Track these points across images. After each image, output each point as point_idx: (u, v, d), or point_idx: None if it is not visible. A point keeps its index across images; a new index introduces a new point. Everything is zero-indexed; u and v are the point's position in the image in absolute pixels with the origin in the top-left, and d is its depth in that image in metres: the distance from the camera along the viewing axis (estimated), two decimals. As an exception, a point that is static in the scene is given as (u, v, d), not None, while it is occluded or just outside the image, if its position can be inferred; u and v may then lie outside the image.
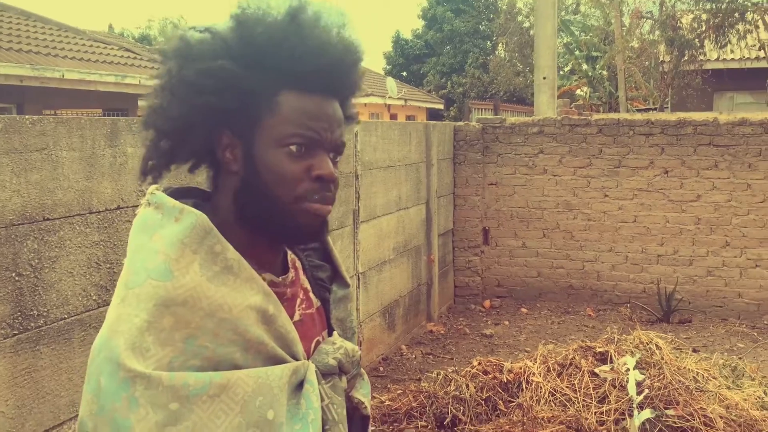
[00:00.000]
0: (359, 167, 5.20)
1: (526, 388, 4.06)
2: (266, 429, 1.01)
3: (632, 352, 4.09)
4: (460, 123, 7.78)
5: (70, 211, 2.68)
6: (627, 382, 3.86)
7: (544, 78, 8.67)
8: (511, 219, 7.61)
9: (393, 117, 24.59)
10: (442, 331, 6.72)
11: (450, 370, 4.39)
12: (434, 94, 32.26)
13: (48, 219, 2.59)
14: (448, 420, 3.96)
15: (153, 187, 1.12)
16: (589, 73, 27.75)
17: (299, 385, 1.09)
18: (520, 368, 4.20)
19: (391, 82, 24.17)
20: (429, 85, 34.50)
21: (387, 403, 4.18)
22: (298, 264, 1.24)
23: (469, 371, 4.23)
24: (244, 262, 1.06)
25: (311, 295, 1.24)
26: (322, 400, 1.11)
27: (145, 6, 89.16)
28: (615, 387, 3.90)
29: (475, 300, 7.67)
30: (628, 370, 3.94)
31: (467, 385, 4.05)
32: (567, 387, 4.00)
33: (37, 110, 10.73)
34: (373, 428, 4.05)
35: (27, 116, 2.52)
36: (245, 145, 1.09)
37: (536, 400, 3.96)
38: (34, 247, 2.53)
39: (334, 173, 1.10)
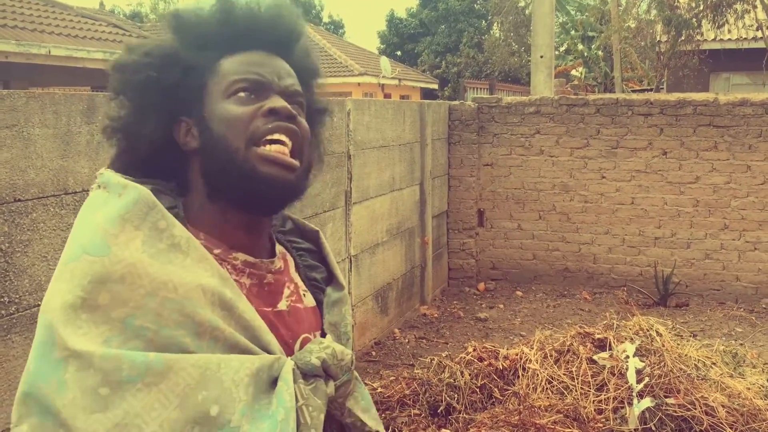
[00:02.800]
0: (351, 147, 5.05)
1: (523, 375, 3.95)
2: (208, 427, 0.89)
3: (632, 339, 3.98)
4: (455, 102, 7.62)
5: (43, 191, 2.53)
6: (626, 369, 3.75)
7: (541, 57, 8.50)
8: (506, 200, 7.47)
9: (387, 96, 24.37)
10: (436, 315, 6.60)
11: (444, 356, 4.27)
12: (429, 74, 31.98)
13: (19, 200, 2.44)
14: (442, 408, 3.85)
15: (104, 169, 1.03)
16: (585, 54, 27.54)
17: (273, 382, 0.98)
18: (516, 355, 4.09)
19: (384, 62, 23.89)
20: (423, 65, 34.20)
21: (379, 390, 4.06)
22: (289, 259, 1.15)
23: (464, 358, 4.11)
24: (195, 241, 0.97)
25: (303, 291, 1.13)
26: (297, 400, 0.99)
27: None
28: (614, 375, 3.79)
29: (469, 283, 7.56)
30: (627, 357, 3.83)
31: (462, 372, 3.93)
32: (564, 374, 3.88)
33: (23, 87, 10.50)
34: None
35: (-5, 91, 2.36)
36: (197, 117, 1.04)
37: (533, 387, 3.85)
38: (5, 230, 2.38)
39: (289, 108, 1.03)
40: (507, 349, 4.20)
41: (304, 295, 1.13)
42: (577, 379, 3.83)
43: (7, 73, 10.15)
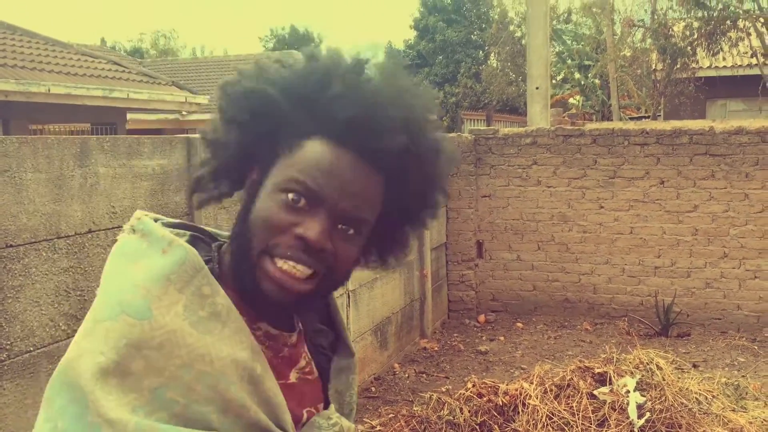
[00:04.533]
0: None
1: (523, 411, 3.91)
2: None
3: (632, 373, 3.94)
4: (452, 134, 7.65)
5: (35, 236, 2.53)
6: (627, 404, 3.71)
7: (537, 88, 8.55)
8: (505, 231, 7.46)
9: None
10: (436, 348, 6.56)
11: (443, 391, 4.23)
12: (427, 105, 32.15)
13: (11, 246, 2.44)
14: (441, 446, 3.80)
15: (140, 212, 0.98)
16: (582, 82, 27.78)
17: None
18: (516, 390, 4.05)
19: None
20: (422, 96, 34.44)
21: (378, 428, 4.01)
22: (302, 327, 1.08)
23: (463, 394, 4.07)
24: (235, 311, 0.93)
25: (310, 363, 1.08)
26: None
27: (136, 19, 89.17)
28: (615, 410, 3.74)
29: (469, 315, 7.52)
30: (628, 391, 3.79)
31: (461, 409, 3.89)
32: (565, 410, 3.84)
33: (23, 125, 10.57)
34: None
35: (13, 136, 2.38)
36: (257, 179, 0.97)
37: (533, 424, 3.81)
38: (-4, 276, 2.37)
39: (321, 242, 0.92)
40: (507, 385, 4.16)
41: (312, 365, 1.08)
42: (578, 414, 3.79)
43: (7, 112, 10.22)
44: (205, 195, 1.03)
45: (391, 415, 4.14)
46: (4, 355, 2.41)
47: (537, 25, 8.43)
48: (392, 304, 5.99)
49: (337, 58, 0.98)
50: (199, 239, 1.00)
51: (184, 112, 14.71)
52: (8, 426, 2.41)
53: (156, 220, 0.99)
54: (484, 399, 4.01)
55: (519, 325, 7.18)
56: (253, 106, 0.96)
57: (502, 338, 6.80)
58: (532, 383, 4.03)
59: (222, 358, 0.89)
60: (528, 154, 7.36)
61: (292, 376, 1.03)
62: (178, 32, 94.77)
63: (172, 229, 0.98)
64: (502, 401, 4.01)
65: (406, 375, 5.79)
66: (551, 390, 3.97)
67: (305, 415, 1.03)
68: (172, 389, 0.86)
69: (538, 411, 3.86)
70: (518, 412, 3.94)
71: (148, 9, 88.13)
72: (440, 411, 3.95)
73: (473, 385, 4.14)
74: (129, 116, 12.94)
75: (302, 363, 1.05)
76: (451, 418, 3.87)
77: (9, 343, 2.43)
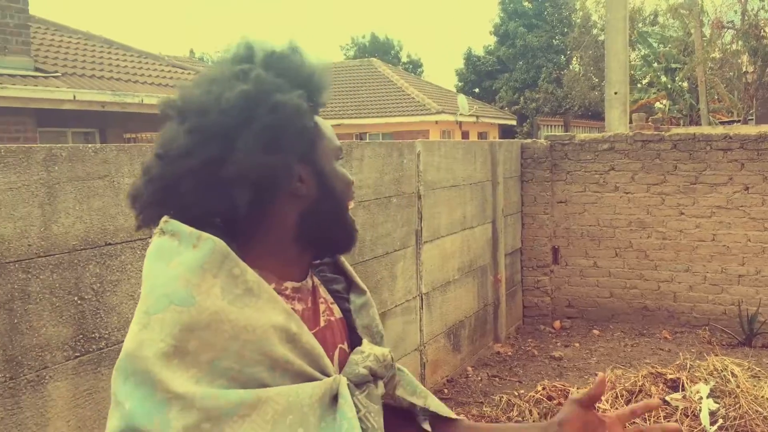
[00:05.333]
0: (422, 187, 5.18)
1: (593, 414, 3.92)
2: None
3: (706, 380, 3.90)
4: (528, 140, 7.67)
5: (131, 235, 2.76)
6: (700, 411, 3.68)
7: (615, 93, 8.46)
8: (581, 238, 7.42)
9: (465, 134, 24.47)
10: (510, 353, 6.59)
11: (514, 395, 4.29)
12: (507, 110, 31.98)
13: (110, 244, 2.68)
14: (510, 446, 3.86)
15: (166, 216, 1.11)
16: (669, 86, 26.94)
17: (334, 400, 1.09)
18: (587, 394, 4.07)
19: (462, 99, 24.09)
20: (501, 101, 34.24)
21: (448, 427, 4.11)
22: (316, 279, 1.26)
23: (533, 396, 4.12)
24: (264, 283, 1.08)
25: (331, 304, 1.25)
26: (358, 410, 1.11)
27: (223, 31, 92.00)
28: (687, 416, 3.72)
29: (544, 321, 7.51)
30: (701, 398, 3.76)
31: (530, 411, 3.95)
32: (635, 415, 3.84)
33: (118, 134, 11.18)
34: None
35: (90, 145, 2.62)
36: (312, 168, 1.16)
37: (603, 427, 3.82)
38: (96, 271, 2.61)
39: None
40: (577, 389, 4.18)
41: (332, 306, 1.24)
42: (649, 420, 3.78)
43: (103, 122, 10.84)
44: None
45: (461, 416, 4.23)
46: (103, 344, 2.65)
47: (616, 29, 8.34)
48: (465, 308, 6.07)
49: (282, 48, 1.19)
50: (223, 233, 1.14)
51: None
52: (105, 408, 2.64)
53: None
54: (554, 402, 4.05)
55: (595, 332, 7.12)
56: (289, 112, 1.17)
57: (577, 345, 6.77)
58: (602, 387, 4.04)
59: (261, 325, 1.04)
60: (605, 160, 7.30)
61: (321, 321, 1.19)
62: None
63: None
64: (572, 404, 4.04)
65: (479, 378, 5.85)
66: (622, 395, 3.97)
67: (337, 354, 1.17)
68: (225, 359, 1.01)
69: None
70: (588, 416, 3.96)
71: (234, 20, 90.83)
72: (510, 412, 4.02)
73: (543, 388, 4.18)
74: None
75: (323, 306, 1.22)
76: (520, 419, 3.93)
77: (107, 332, 2.67)
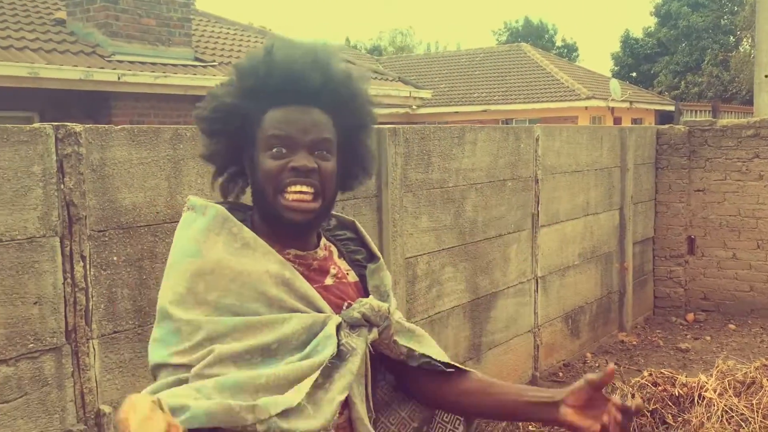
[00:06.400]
0: (539, 171, 5.23)
1: (698, 403, 3.86)
2: (268, 354, 1.26)
3: (824, 376, 3.72)
4: (664, 126, 7.41)
5: (246, 207, 3.10)
6: (813, 407, 3.54)
7: (766, 76, 7.95)
8: (719, 228, 7.10)
9: (617, 120, 23.57)
10: (635, 342, 6.47)
11: (617, 377, 4.29)
12: (666, 95, 30.38)
13: (227, 214, 3.03)
14: (610, 428, 3.89)
15: (190, 196, 1.42)
16: None
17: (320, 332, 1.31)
18: (695, 383, 4.00)
19: (614, 84, 23.20)
20: (660, 86, 32.57)
21: (550, 406, 4.19)
22: (333, 249, 1.49)
23: (638, 381, 4.11)
24: (260, 240, 1.33)
25: (346, 271, 1.47)
26: (340, 339, 1.31)
27: (376, 19, 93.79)
28: (799, 411, 3.58)
29: (676, 312, 7.27)
30: (816, 394, 3.60)
31: (633, 395, 3.94)
32: (744, 406, 3.74)
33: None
34: (533, 429, 4.10)
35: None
36: (249, 156, 1.38)
37: (707, 417, 3.76)
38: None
39: (307, 164, 1.31)
40: (686, 376, 4.12)
41: (347, 273, 1.46)
42: (758, 412, 3.68)
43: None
44: (232, 191, 1.46)
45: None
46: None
47: (766, 7, 7.82)
48: (586, 294, 6.04)
49: (252, 53, 1.38)
50: (235, 209, 1.39)
51: (414, 106, 15.51)
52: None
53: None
54: (659, 388, 4.02)
55: (731, 326, 6.82)
56: (222, 115, 1.37)
57: (708, 338, 6.52)
58: (710, 377, 3.96)
59: (257, 270, 1.29)
60: (749, 147, 6.93)
61: (328, 281, 1.41)
62: (415, 29, 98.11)
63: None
64: (679, 392, 3.99)
65: (597, 365, 5.82)
66: (732, 385, 3.87)
67: (345, 305, 1.39)
68: (228, 297, 1.28)
69: (714, 405, 3.80)
70: (694, 405, 3.91)
71: (388, 8, 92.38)
72: (612, 395, 4.03)
73: (650, 374, 4.16)
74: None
75: (333, 271, 1.43)
76: (621, 402, 3.94)
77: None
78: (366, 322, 1.35)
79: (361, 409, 1.36)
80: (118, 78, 8.45)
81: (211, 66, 9.92)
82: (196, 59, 9.91)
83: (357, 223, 1.57)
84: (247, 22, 14.52)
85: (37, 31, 8.83)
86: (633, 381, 4.17)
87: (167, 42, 9.45)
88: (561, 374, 5.58)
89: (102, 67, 8.43)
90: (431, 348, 1.49)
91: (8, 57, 7.79)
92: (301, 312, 1.31)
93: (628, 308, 6.72)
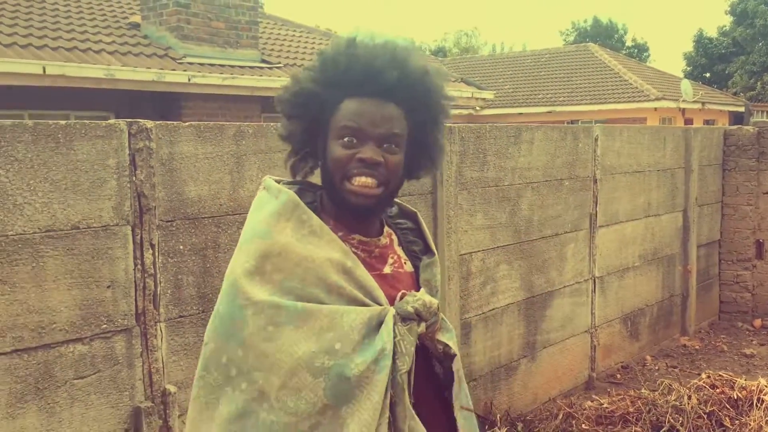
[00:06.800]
0: (598, 171, 5.21)
1: (757, 407, 3.81)
2: (333, 355, 1.33)
3: None
4: (732, 127, 7.24)
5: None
6: None
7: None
8: (789, 232, 6.89)
9: (688, 122, 22.94)
10: (697, 347, 6.36)
11: (675, 380, 4.26)
12: (741, 97, 29.39)
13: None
14: (664, 429, 3.87)
15: (266, 177, 1.52)
16: None
17: (380, 325, 1.38)
18: (754, 386, 3.94)
19: (685, 85, 22.62)
20: (735, 87, 31.56)
21: (605, 405, 4.19)
22: (394, 237, 1.57)
23: (696, 383, 4.07)
24: (327, 228, 1.42)
25: (403, 260, 1.55)
26: (396, 336, 1.38)
27: (441, 20, 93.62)
28: None
29: (743, 318, 7.09)
30: None
31: (689, 396, 3.91)
32: (805, 412, 3.67)
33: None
34: (586, 428, 4.11)
35: (272, 123, 3.11)
36: (322, 141, 1.47)
37: (766, 421, 3.70)
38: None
39: (374, 157, 1.39)
40: (745, 379, 4.06)
41: (404, 262, 1.54)
42: (819, 418, 3.60)
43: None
44: (302, 170, 1.54)
45: (619, 396, 4.28)
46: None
47: None
48: (646, 296, 5.98)
49: (335, 43, 1.46)
50: (306, 189, 1.50)
51: (477, 108, 15.50)
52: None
53: (279, 181, 1.50)
54: (717, 390, 3.98)
55: (800, 333, 6.62)
56: (302, 100, 1.46)
57: (775, 344, 6.35)
58: (771, 381, 3.90)
59: (320, 257, 1.38)
60: (822, 148, 6.71)
61: (387, 269, 1.49)
62: (480, 30, 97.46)
63: (289, 185, 1.49)
64: (738, 395, 3.94)
65: (657, 367, 5.75)
66: (790, 391, 3.80)
67: (399, 296, 1.45)
68: (292, 280, 1.36)
69: (773, 409, 3.74)
70: (753, 408, 3.85)
71: (453, 9, 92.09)
72: (668, 396, 4.01)
73: (708, 376, 4.11)
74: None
75: (391, 260, 1.51)
76: (677, 403, 3.92)
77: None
78: (417, 316, 1.41)
79: (407, 395, 1.40)
80: (189, 79, 8.77)
81: (276, 68, 10.17)
82: (263, 61, 10.18)
83: (419, 214, 1.64)
84: (314, 25, 14.80)
85: (114, 35, 9.24)
86: (691, 383, 4.13)
87: (235, 44, 9.74)
88: (619, 376, 5.54)
89: (173, 69, 8.77)
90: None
91: (86, 59, 8.18)
92: (359, 300, 1.38)
93: (692, 312, 6.60)
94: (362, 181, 1.39)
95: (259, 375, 1.34)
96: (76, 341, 2.50)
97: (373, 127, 1.41)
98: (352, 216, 1.47)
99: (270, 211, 1.43)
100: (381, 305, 1.41)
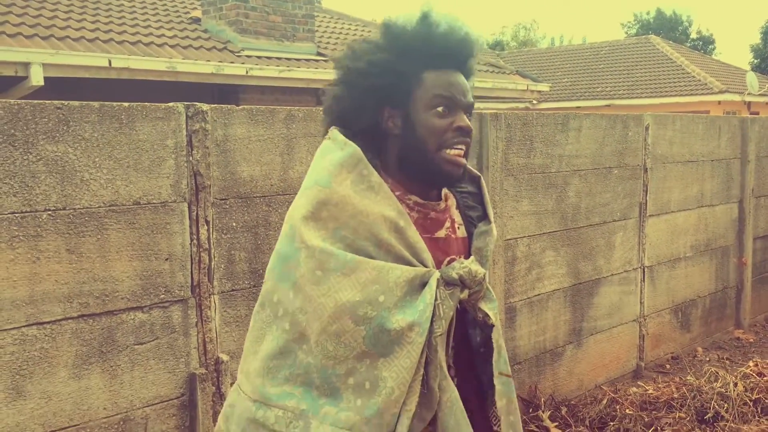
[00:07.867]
0: (648, 160, 5.19)
1: (806, 396, 3.77)
2: (376, 306, 1.40)
3: None
4: (792, 117, 7.07)
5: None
6: None
7: None
8: None
9: (754, 115, 22.27)
10: (752, 340, 6.26)
11: (721, 366, 4.24)
12: (811, 89, 28.27)
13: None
14: (709, 415, 3.87)
15: (333, 127, 1.57)
16: None
17: (423, 286, 1.43)
18: (803, 376, 3.90)
19: (751, 77, 21.92)
20: (805, 79, 30.37)
21: (650, 391, 4.20)
22: (452, 201, 1.63)
23: (743, 371, 4.05)
24: (385, 186, 1.47)
25: (458, 225, 1.60)
26: (436, 299, 1.42)
27: (499, 14, 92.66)
28: None
29: (801, 312, 6.93)
30: None
31: (735, 384, 3.90)
32: None
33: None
34: (630, 412, 4.13)
35: (320, 107, 3.23)
36: (403, 113, 1.51)
37: (814, 410, 3.67)
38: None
39: (470, 125, 1.50)
40: (794, 370, 4.02)
41: (458, 228, 1.60)
42: None
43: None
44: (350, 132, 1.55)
45: (665, 382, 4.28)
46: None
47: None
48: (698, 288, 5.92)
49: (407, 17, 1.52)
50: (367, 149, 1.53)
51: (534, 101, 15.40)
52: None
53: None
54: (764, 378, 3.95)
55: None
56: (377, 70, 1.49)
57: (834, 339, 6.20)
58: (820, 370, 3.85)
59: (375, 213, 1.43)
60: None
61: (441, 233, 1.55)
62: (539, 23, 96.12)
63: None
64: (785, 385, 3.91)
65: (707, 359, 5.70)
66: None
67: (447, 261, 1.51)
68: (345, 229, 1.43)
69: (822, 398, 3.70)
70: (801, 398, 3.81)
71: (511, 2, 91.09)
72: (713, 383, 4.01)
73: (755, 364, 4.09)
74: (477, 105, 13.99)
75: (447, 224, 1.56)
76: (722, 390, 3.91)
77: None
78: (461, 283, 1.46)
79: (441, 355, 1.46)
80: (246, 72, 9.01)
81: (332, 60, 10.34)
82: (319, 54, 10.37)
83: (482, 179, 1.70)
84: (370, 19, 14.93)
85: (175, 29, 9.55)
86: (737, 371, 4.11)
87: (292, 38, 9.95)
88: (668, 366, 5.51)
89: (232, 62, 9.02)
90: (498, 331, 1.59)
91: (149, 52, 8.50)
92: (406, 259, 1.43)
93: (746, 305, 6.50)
94: (457, 151, 1.48)
95: (303, 318, 1.43)
96: (136, 309, 2.68)
97: (463, 96, 1.50)
98: (437, 185, 1.54)
99: (334, 160, 1.47)
100: (427, 267, 1.45)
